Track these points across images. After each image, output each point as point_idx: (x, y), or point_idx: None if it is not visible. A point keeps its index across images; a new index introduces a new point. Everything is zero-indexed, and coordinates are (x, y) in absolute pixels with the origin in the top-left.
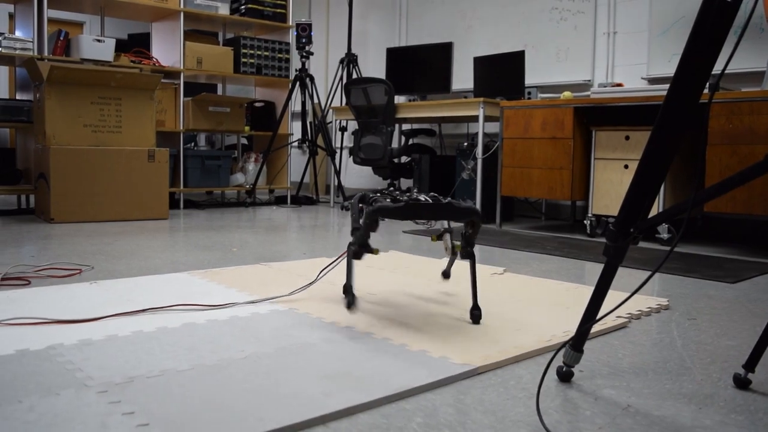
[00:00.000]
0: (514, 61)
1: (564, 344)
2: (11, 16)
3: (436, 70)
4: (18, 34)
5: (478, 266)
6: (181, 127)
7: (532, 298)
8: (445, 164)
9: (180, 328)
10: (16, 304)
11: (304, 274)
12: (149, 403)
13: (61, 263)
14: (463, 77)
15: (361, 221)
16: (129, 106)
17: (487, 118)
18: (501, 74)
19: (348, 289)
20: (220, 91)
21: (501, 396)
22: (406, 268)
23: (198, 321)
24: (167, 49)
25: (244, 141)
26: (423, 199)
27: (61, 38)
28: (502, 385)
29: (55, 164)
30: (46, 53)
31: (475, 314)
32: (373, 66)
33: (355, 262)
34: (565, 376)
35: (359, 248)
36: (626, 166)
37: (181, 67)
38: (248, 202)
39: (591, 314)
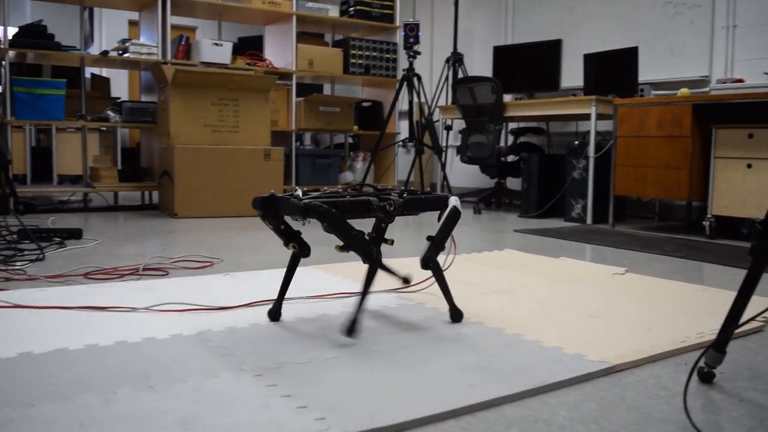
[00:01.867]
0: (627, 58)
1: (709, 345)
2: (131, 23)
3: (544, 68)
4: (143, 39)
5: (594, 265)
6: (293, 127)
7: (659, 300)
8: (554, 163)
9: (316, 318)
10: (160, 292)
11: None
12: (303, 387)
13: (193, 256)
14: (570, 75)
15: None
16: (246, 106)
17: (599, 116)
18: (613, 71)
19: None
20: (326, 91)
21: (642, 394)
22: (522, 266)
23: (332, 312)
24: (279, 51)
25: (350, 140)
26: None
27: (183, 43)
28: (641, 384)
29: (179, 162)
30: (169, 57)
31: (457, 315)
32: (479, 65)
33: (471, 262)
34: (706, 377)
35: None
36: (749, 166)
37: (294, 69)
38: None
39: (735, 315)
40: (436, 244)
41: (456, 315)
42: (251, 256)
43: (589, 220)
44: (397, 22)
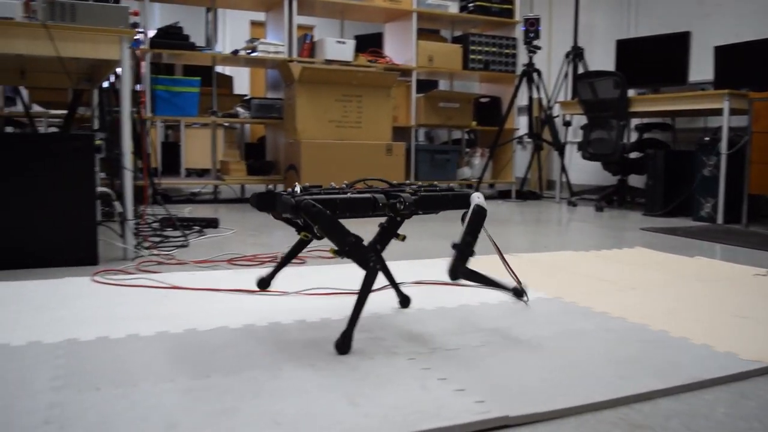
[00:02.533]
0: (764, 50)
1: None
2: (253, 23)
3: (671, 62)
4: (269, 38)
5: (733, 265)
6: (413, 122)
7: None
8: (681, 160)
9: (457, 308)
10: (302, 278)
11: (553, 265)
12: (457, 372)
13: (326, 246)
14: (698, 68)
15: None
16: (368, 102)
17: (731, 111)
18: (747, 64)
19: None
20: (441, 87)
21: None
22: (656, 264)
23: (471, 303)
24: (399, 47)
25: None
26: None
27: (307, 41)
28: None
29: (305, 157)
30: (294, 55)
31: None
32: (600, 59)
33: (601, 259)
34: None
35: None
36: None
37: (414, 65)
38: None
39: None
40: (462, 251)
41: (519, 293)
42: None
43: (719, 220)
44: (517, 17)
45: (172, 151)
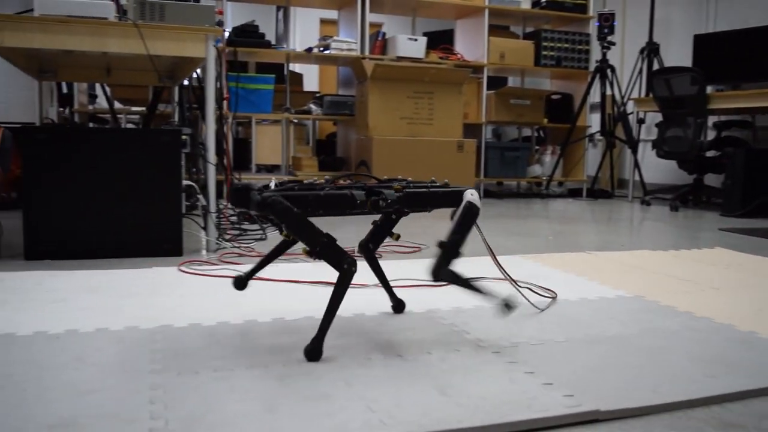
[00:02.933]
0: None
1: None
2: (323, 21)
3: (753, 57)
4: (341, 36)
5: None
6: (484, 119)
7: None
8: (762, 159)
9: (538, 302)
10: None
11: (631, 264)
12: (543, 366)
13: (401, 241)
14: None
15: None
16: (440, 99)
17: None
18: None
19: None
20: (510, 84)
21: None
22: (739, 265)
23: (558, 300)
24: (470, 44)
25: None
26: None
27: (379, 38)
28: None
29: (377, 153)
30: (367, 53)
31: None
32: (677, 55)
33: (679, 259)
34: None
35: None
36: None
37: (485, 62)
38: (543, 193)
39: None
40: (447, 250)
41: (508, 306)
42: None
43: None
44: (591, 13)
45: (242, 147)
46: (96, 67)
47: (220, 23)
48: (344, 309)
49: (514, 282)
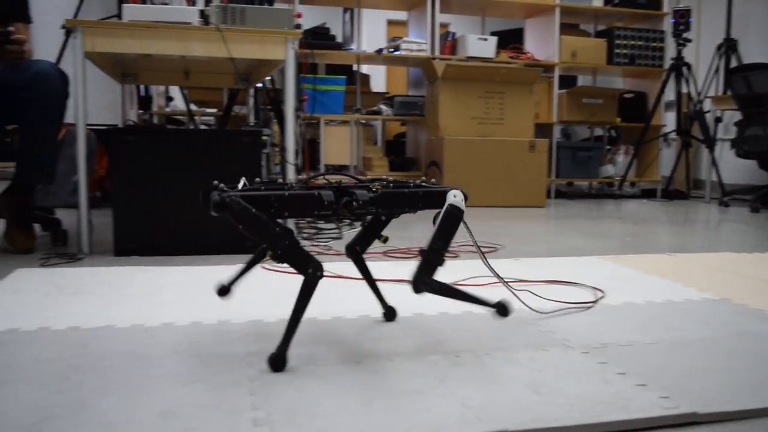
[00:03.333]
0: None
1: None
2: (390, 23)
3: None
4: (411, 37)
5: None
6: (555, 119)
7: None
8: None
9: (621, 306)
10: (459, 271)
11: (714, 267)
12: (635, 367)
13: (478, 241)
14: None
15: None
16: (511, 99)
17: None
18: None
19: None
20: (580, 83)
21: None
22: None
23: (636, 301)
24: (541, 43)
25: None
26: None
27: (449, 39)
28: None
29: (448, 153)
30: (437, 53)
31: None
32: (756, 51)
33: (763, 260)
34: None
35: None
36: None
37: (556, 61)
38: (616, 194)
39: None
40: (428, 259)
41: (503, 309)
42: (531, 244)
43: None
44: (665, 9)
45: (311, 147)
46: (175, 70)
47: (298, 26)
48: (429, 307)
49: (508, 286)
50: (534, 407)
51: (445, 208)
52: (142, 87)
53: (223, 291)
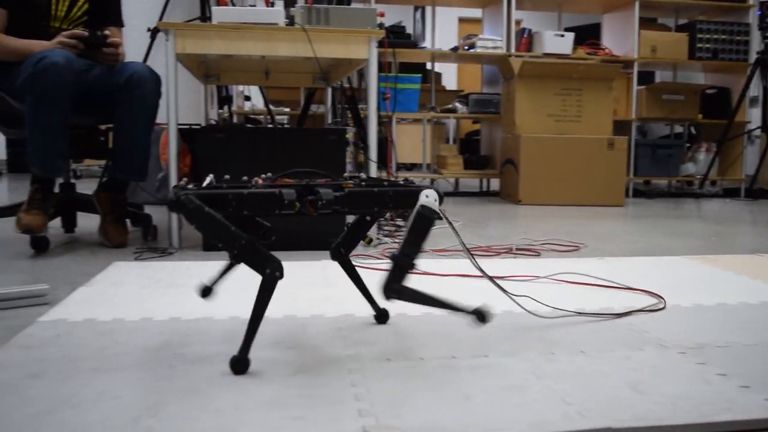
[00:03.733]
0: None
1: None
2: (461, 20)
3: None
4: (486, 34)
5: None
6: (633, 116)
7: None
8: None
9: (714, 307)
10: (543, 269)
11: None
12: (735, 368)
13: (556, 240)
14: None
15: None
16: (589, 96)
17: None
18: None
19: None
20: (658, 79)
21: None
22: None
23: (729, 302)
24: (619, 38)
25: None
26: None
27: (525, 36)
28: None
29: (524, 151)
30: (512, 50)
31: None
32: None
33: None
34: None
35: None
36: None
37: (635, 56)
38: (697, 192)
39: None
40: (398, 264)
41: (481, 316)
42: (613, 243)
43: None
44: (750, 1)
45: (382, 145)
46: (255, 70)
47: (380, 25)
48: (514, 304)
49: (500, 286)
50: (636, 405)
51: (415, 209)
52: (222, 87)
53: (206, 292)
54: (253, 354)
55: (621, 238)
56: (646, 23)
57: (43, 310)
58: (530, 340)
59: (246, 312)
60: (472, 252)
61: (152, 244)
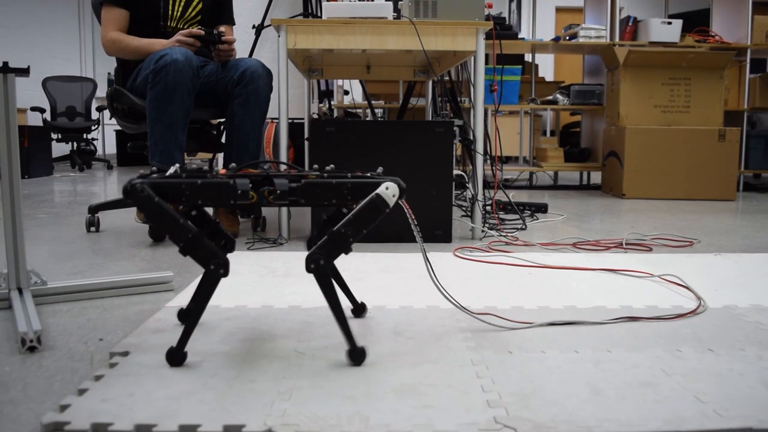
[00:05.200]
0: None
1: None
2: (558, 10)
3: None
4: (588, 23)
5: None
6: (746, 106)
7: None
8: None
9: None
10: (656, 265)
11: None
12: None
13: (667, 234)
14: None
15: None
16: (698, 85)
17: None
18: None
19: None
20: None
21: None
22: None
23: None
24: (730, 24)
25: None
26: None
27: (630, 24)
28: None
29: (630, 143)
30: (617, 39)
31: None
32: None
33: None
34: None
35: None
36: None
37: (749, 43)
38: None
39: None
40: (333, 241)
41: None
42: (728, 239)
43: None
44: None
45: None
46: (357, 64)
47: (488, 17)
48: (630, 300)
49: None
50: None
51: (370, 195)
52: (322, 81)
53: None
54: (375, 344)
55: (736, 233)
56: (760, 7)
57: (169, 296)
58: (650, 337)
59: (359, 297)
60: (580, 246)
61: (262, 235)
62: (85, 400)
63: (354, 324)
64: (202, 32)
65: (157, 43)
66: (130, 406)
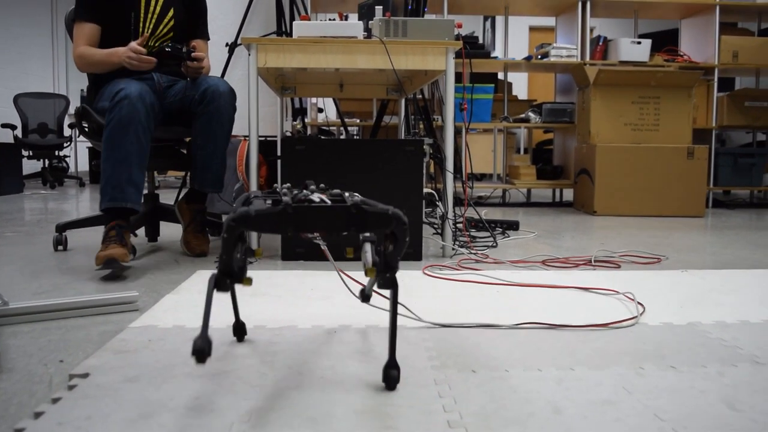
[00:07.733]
0: None
1: None
2: (531, 29)
3: None
4: (559, 42)
5: None
6: (714, 124)
7: None
8: None
9: None
10: (626, 282)
11: None
12: None
13: (635, 251)
14: None
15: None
16: (667, 104)
17: None
18: None
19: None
20: (740, 85)
21: None
22: None
23: None
24: (698, 44)
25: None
26: (317, 200)
27: (600, 43)
28: None
29: (600, 161)
30: (587, 58)
31: (392, 375)
32: None
33: None
34: None
35: (221, 275)
36: None
37: (716, 62)
38: None
39: None
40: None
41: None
42: (696, 255)
43: None
44: None
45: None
46: (330, 83)
47: (458, 37)
48: (623, 317)
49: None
50: (733, 423)
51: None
52: (296, 99)
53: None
54: (339, 365)
55: (704, 249)
56: (727, 28)
57: (134, 317)
58: (619, 354)
59: (325, 319)
60: (549, 263)
61: None
62: (40, 423)
63: (320, 342)
64: (153, 61)
65: (115, 54)
66: (86, 429)
